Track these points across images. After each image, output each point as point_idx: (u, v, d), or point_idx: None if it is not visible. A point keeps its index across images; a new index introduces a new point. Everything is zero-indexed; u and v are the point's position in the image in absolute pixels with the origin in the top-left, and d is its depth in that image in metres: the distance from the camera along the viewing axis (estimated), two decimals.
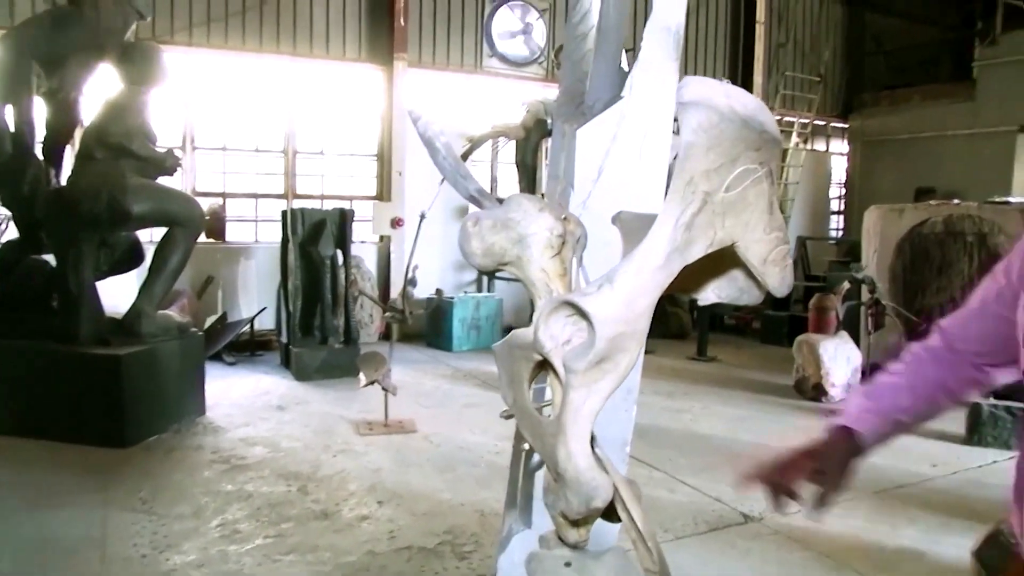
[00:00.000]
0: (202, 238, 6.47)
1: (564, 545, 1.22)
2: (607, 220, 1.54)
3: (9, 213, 6.09)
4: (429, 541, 3.89)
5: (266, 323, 8.72)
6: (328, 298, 7.77)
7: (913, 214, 7.93)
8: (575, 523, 1.20)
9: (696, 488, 4.79)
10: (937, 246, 7.46)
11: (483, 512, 4.26)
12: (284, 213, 8.09)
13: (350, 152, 9.97)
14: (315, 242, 7.82)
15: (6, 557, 3.61)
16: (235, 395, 6.72)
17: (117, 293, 6.11)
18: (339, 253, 7.93)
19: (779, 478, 1.55)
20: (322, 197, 9.62)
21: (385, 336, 8.38)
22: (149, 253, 6.02)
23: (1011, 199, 8.23)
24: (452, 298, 9.42)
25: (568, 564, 1.19)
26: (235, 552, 3.69)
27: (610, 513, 1.19)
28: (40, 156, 5.72)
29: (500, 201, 1.26)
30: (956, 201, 8.17)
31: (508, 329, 10.21)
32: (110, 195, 5.35)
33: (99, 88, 5.81)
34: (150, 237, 6.55)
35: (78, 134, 5.90)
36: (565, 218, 1.19)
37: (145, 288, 5.75)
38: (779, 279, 1.19)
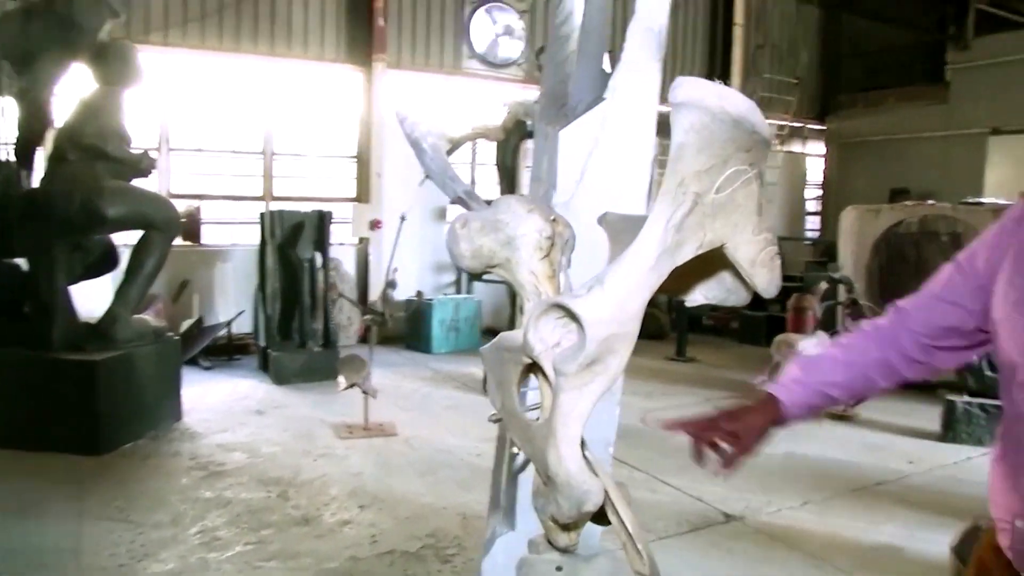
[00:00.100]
0: (177, 241, 6.39)
1: (554, 549, 1.21)
2: (590, 221, 1.54)
3: None
4: (412, 545, 3.86)
5: (243, 327, 8.63)
6: (307, 301, 7.71)
7: (889, 215, 8.04)
8: (565, 527, 1.19)
9: (677, 488, 4.80)
10: (913, 246, 7.56)
11: (465, 515, 4.25)
12: (262, 215, 8.01)
13: (329, 154, 9.91)
14: (294, 244, 7.76)
15: None
16: (212, 400, 6.64)
17: (91, 297, 6.01)
18: (318, 255, 7.87)
19: (700, 432, 1.60)
20: (300, 199, 9.53)
21: (364, 339, 8.34)
22: (123, 256, 5.93)
23: (984, 200, 8.36)
24: (431, 300, 9.39)
25: (559, 568, 1.19)
26: (215, 560, 3.64)
27: (600, 516, 1.19)
28: (11, 158, 5.61)
29: (488, 202, 1.25)
30: (931, 202, 8.29)
31: (487, 331, 10.23)
32: (84, 198, 5.25)
33: (72, 88, 5.72)
34: (125, 240, 6.45)
35: (50, 135, 5.79)
36: (554, 219, 1.18)
37: (120, 292, 5.66)
38: (767, 280, 1.19)
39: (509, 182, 7.76)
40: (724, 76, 12.23)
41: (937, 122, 12.22)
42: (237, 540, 3.86)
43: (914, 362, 1.60)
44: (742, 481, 5.00)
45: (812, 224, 14.62)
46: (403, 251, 7.96)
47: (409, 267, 9.32)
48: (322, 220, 7.92)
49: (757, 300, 1.32)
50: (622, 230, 1.42)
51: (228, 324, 8.38)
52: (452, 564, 3.68)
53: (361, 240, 9.71)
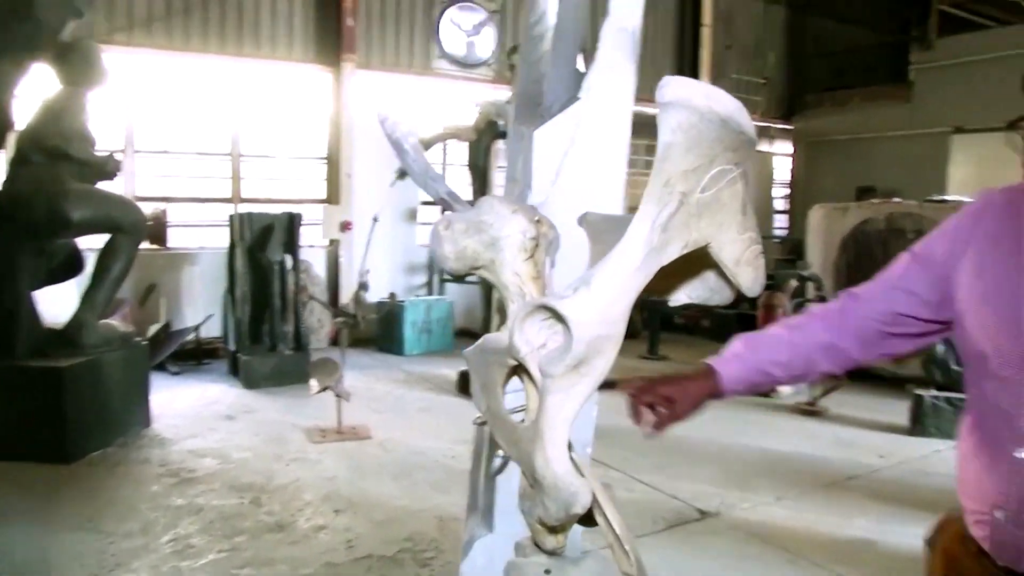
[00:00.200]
0: (143, 244, 6.27)
1: (541, 552, 1.20)
2: (565, 221, 1.53)
3: None
4: (388, 549, 3.83)
5: (212, 331, 8.51)
6: (277, 304, 7.63)
7: (856, 212, 8.17)
8: (553, 529, 1.18)
9: (653, 486, 4.83)
10: (880, 243, 7.69)
11: (441, 517, 4.23)
12: (231, 217, 7.91)
13: (298, 155, 9.81)
14: (263, 247, 7.67)
15: None
16: (181, 405, 6.54)
17: (56, 303, 5.88)
18: (288, 258, 7.78)
19: (639, 393, 1.63)
20: (269, 201, 9.42)
21: (335, 341, 8.27)
22: (89, 261, 5.82)
23: (949, 197, 8.53)
24: (403, 302, 9.34)
25: (548, 572, 1.18)
26: (188, 568, 3.58)
27: (587, 518, 1.18)
28: None
29: (471, 203, 1.24)
30: (897, 200, 8.44)
31: (460, 332, 10.18)
32: (48, 201, 5.14)
33: (35, 89, 5.59)
34: (90, 244, 6.32)
35: (12, 137, 5.65)
36: (538, 220, 1.17)
37: (87, 297, 5.55)
38: (751, 279, 1.19)
39: (481, 183, 7.75)
40: (693, 77, 12.31)
41: (901, 121, 12.44)
42: (210, 548, 3.79)
43: (865, 346, 1.63)
44: (717, 477, 5.05)
45: (780, 222, 14.81)
46: (374, 252, 7.92)
47: (380, 268, 9.26)
48: (292, 222, 7.84)
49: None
50: (604, 230, 1.42)
51: (196, 328, 8.26)
52: (430, 567, 3.66)
53: (331, 242, 9.62)
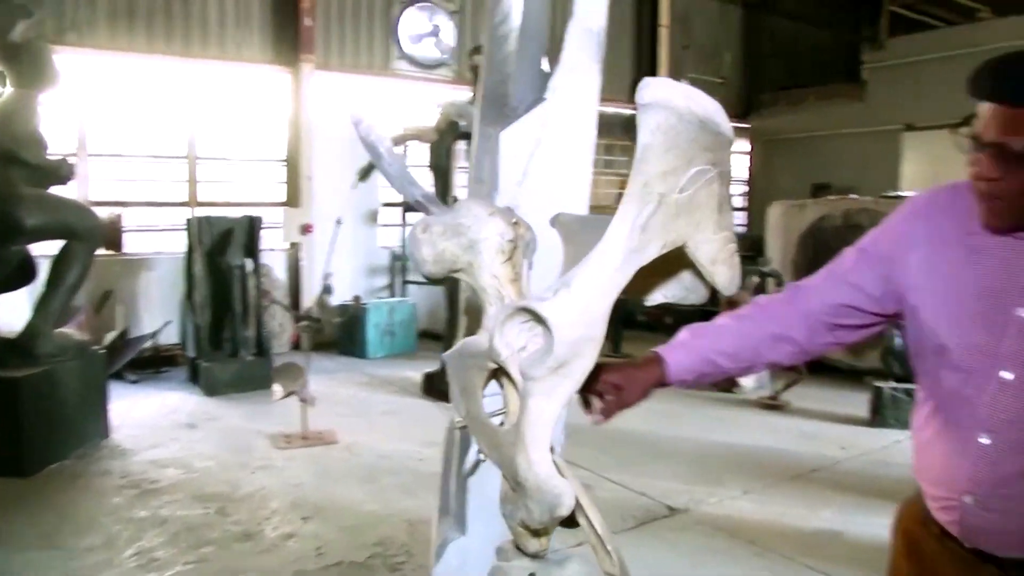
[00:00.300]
0: (99, 250, 6.12)
1: (524, 555, 1.20)
2: (532, 222, 1.53)
3: None
4: (359, 555, 3.80)
5: (170, 338, 8.35)
6: (238, 309, 7.50)
7: (814, 209, 8.32)
8: (536, 532, 1.18)
9: (620, 484, 4.86)
10: (837, 239, 7.83)
11: (411, 521, 4.20)
12: (189, 221, 7.76)
13: (257, 157, 9.66)
14: (223, 251, 7.54)
15: None
16: (141, 415, 6.39)
17: (8, 311, 5.72)
18: (248, 262, 7.65)
19: (586, 382, 1.65)
20: (228, 204, 9.25)
21: (297, 346, 8.16)
22: (42, 267, 5.66)
23: (903, 193, 8.73)
24: (366, 304, 9.26)
25: (532, 575, 1.17)
26: None
27: (569, 520, 1.18)
28: None
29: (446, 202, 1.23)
30: (854, 196, 8.61)
31: (423, 333, 10.10)
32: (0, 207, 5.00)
33: None
34: (43, 251, 6.15)
35: None
36: (515, 222, 1.17)
37: (41, 305, 5.40)
38: (728, 277, 1.20)
39: (443, 184, 7.71)
40: (651, 76, 12.44)
41: (855, 119, 12.71)
42: (176, 560, 3.72)
43: (811, 337, 1.66)
44: (684, 474, 5.10)
45: (739, 219, 15.01)
46: (336, 255, 7.83)
47: (343, 271, 9.17)
48: (252, 225, 7.72)
49: None
50: (577, 231, 1.42)
51: (154, 335, 8.09)
52: (402, 572, 3.64)
53: (292, 245, 9.50)
